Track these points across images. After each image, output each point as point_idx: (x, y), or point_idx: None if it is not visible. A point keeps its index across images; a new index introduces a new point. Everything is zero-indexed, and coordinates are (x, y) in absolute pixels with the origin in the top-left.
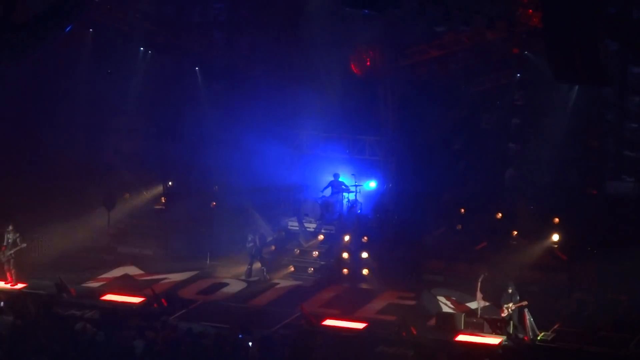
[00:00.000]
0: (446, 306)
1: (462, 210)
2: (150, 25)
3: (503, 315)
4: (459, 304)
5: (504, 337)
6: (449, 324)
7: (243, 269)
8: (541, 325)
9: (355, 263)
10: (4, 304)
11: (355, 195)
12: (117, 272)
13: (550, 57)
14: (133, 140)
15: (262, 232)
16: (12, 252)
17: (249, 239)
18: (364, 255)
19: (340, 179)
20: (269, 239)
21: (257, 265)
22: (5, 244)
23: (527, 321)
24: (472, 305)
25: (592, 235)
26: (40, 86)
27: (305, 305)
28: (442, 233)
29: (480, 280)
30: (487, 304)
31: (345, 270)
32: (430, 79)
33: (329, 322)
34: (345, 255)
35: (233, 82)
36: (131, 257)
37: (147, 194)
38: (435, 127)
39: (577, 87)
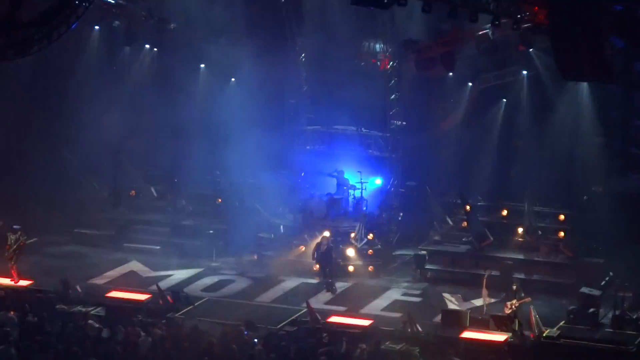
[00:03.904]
0: (452, 303)
1: (468, 207)
2: (155, 23)
3: (507, 312)
4: (464, 300)
5: (510, 334)
6: (455, 321)
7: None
8: (547, 322)
9: (360, 259)
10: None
11: (361, 192)
12: (123, 269)
13: (556, 54)
14: (138, 136)
15: (334, 236)
16: (15, 248)
17: (323, 242)
18: (370, 252)
19: (344, 176)
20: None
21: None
22: (9, 242)
23: (533, 318)
24: (478, 302)
25: (598, 232)
26: (46, 83)
27: (311, 302)
28: (448, 229)
29: (485, 277)
30: (492, 301)
31: (350, 268)
32: (435, 76)
33: (334, 319)
34: (350, 252)
35: (237, 78)
36: (137, 254)
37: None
38: (440, 123)
39: (582, 84)
